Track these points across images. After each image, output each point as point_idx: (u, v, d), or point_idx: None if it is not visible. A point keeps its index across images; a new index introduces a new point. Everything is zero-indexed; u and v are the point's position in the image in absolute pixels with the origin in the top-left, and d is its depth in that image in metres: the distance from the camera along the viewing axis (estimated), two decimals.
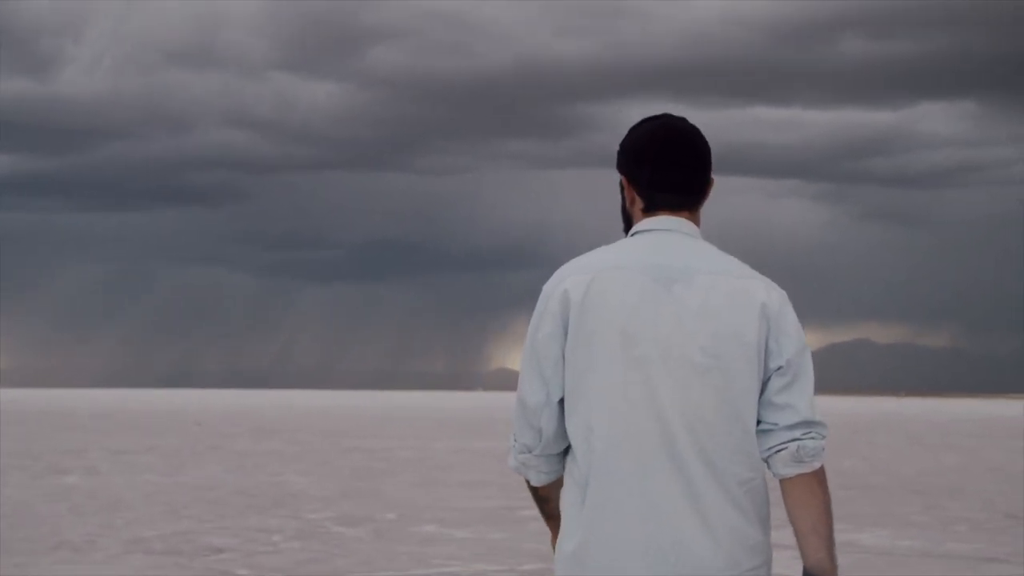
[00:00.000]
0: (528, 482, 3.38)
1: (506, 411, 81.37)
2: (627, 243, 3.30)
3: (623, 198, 3.38)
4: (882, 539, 14.32)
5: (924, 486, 21.82)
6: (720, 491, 3.12)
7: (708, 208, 3.43)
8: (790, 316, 3.21)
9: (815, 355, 3.36)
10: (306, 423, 54.13)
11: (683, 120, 3.36)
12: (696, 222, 3.33)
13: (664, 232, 3.27)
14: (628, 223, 3.38)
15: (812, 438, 3.16)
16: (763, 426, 3.19)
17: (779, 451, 3.17)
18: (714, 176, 3.38)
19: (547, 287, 3.26)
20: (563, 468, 3.28)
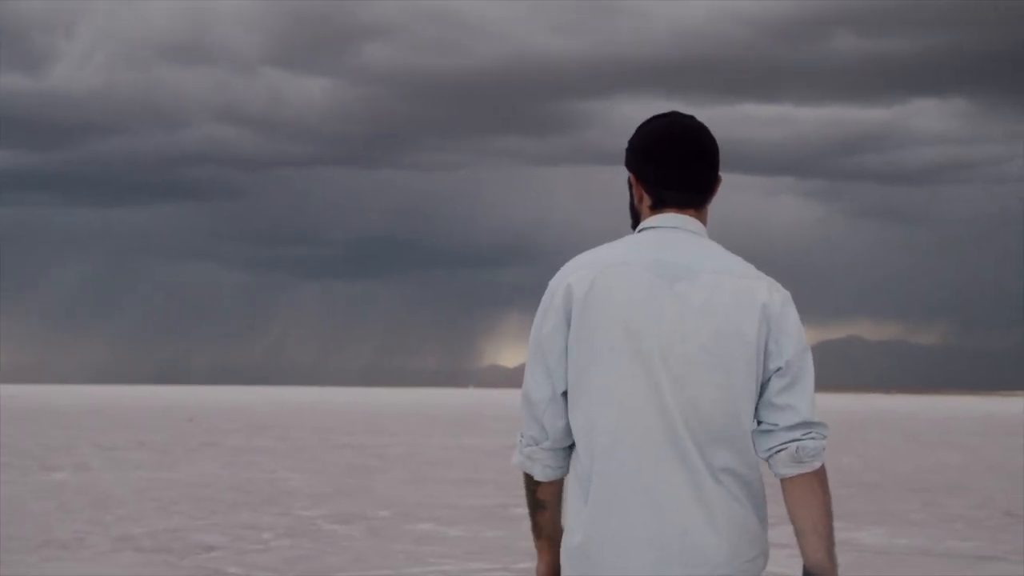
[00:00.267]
0: (528, 486, 3.37)
1: (499, 408, 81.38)
2: (633, 239, 3.33)
3: (631, 195, 3.41)
4: (880, 537, 14.17)
5: (921, 484, 21.69)
6: (719, 486, 3.16)
7: None
8: (792, 317, 3.24)
9: None
10: (298, 420, 54.00)
11: (691, 118, 3.38)
12: (703, 220, 3.36)
13: (670, 229, 3.30)
14: (636, 219, 3.40)
15: (812, 438, 3.19)
16: (763, 427, 3.22)
17: (779, 451, 3.20)
18: (721, 174, 3.41)
19: (553, 282, 3.29)
20: (568, 467, 3.29)
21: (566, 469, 3.30)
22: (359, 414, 65.00)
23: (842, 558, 12.02)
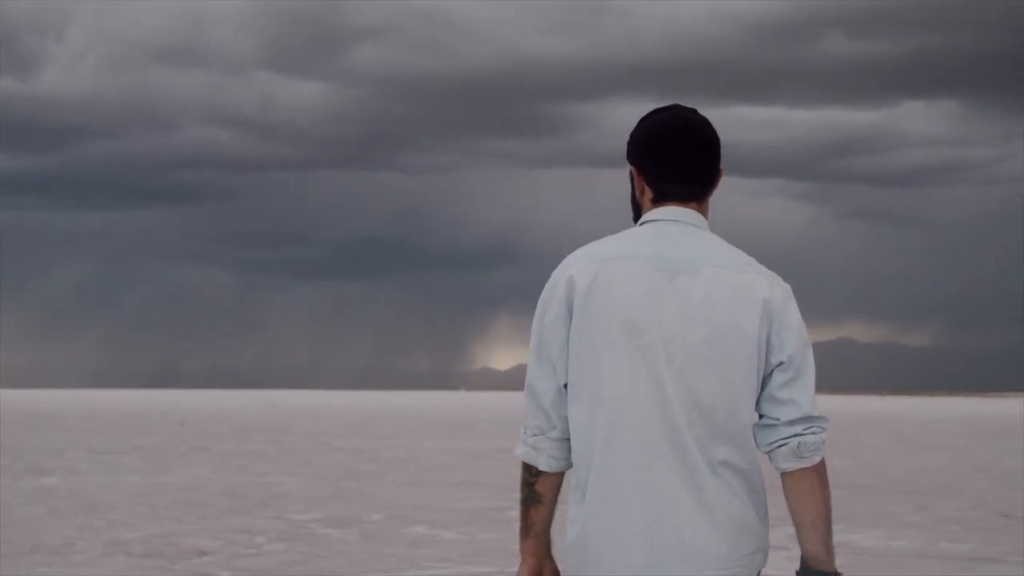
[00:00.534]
0: (526, 479, 3.35)
1: (492, 411, 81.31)
2: (634, 233, 3.34)
3: (632, 187, 3.43)
4: (876, 540, 14.12)
5: (914, 485, 21.66)
6: (719, 480, 3.18)
7: None
8: (793, 312, 3.26)
9: None
10: (290, 423, 53.90)
11: (693, 111, 3.39)
12: (704, 213, 3.38)
13: (671, 223, 3.32)
14: (638, 212, 3.42)
15: (813, 433, 3.21)
16: (765, 421, 3.25)
17: (780, 446, 3.22)
18: (722, 167, 3.44)
19: (555, 274, 3.31)
20: (570, 461, 3.30)
21: (569, 463, 3.30)
22: (352, 417, 64.91)
23: (838, 560, 11.95)
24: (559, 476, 3.34)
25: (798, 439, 3.21)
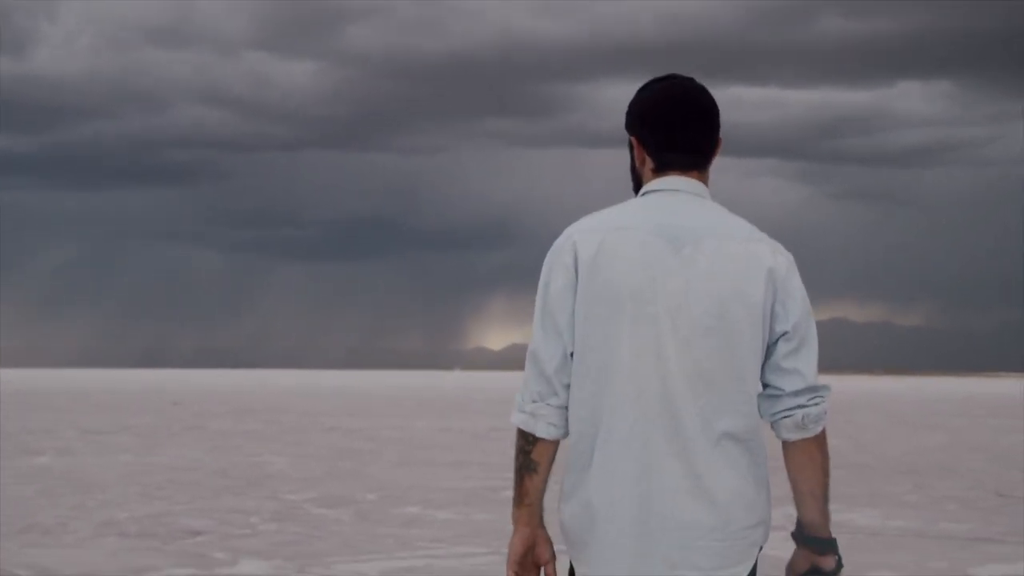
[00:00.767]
0: (522, 447, 3.32)
1: (486, 391, 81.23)
2: (637, 203, 3.34)
3: (632, 158, 3.42)
4: (873, 519, 14.04)
5: (911, 465, 21.58)
6: (718, 451, 3.20)
7: None
8: (796, 281, 3.28)
9: None
10: (284, 403, 53.80)
11: (691, 80, 3.39)
12: (705, 181, 3.37)
13: (674, 192, 3.32)
14: (638, 183, 3.42)
15: (816, 403, 3.26)
16: (769, 391, 3.29)
17: (785, 418, 3.26)
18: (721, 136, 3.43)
19: (557, 243, 3.29)
20: (567, 430, 3.31)
21: (566, 431, 3.30)
22: (345, 397, 64.81)
23: (837, 540, 11.88)
24: (555, 445, 3.32)
25: (802, 411, 3.25)
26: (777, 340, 3.26)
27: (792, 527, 3.40)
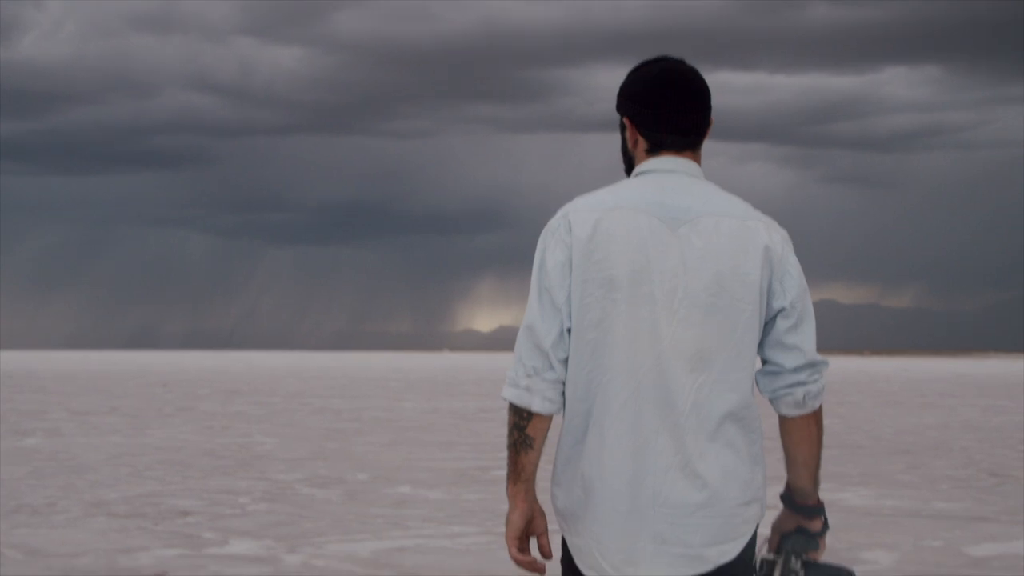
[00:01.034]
0: (516, 423, 3.32)
1: (475, 372, 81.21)
2: (632, 183, 3.36)
3: (623, 139, 3.44)
4: (867, 499, 13.97)
5: (904, 445, 21.54)
6: (713, 429, 3.23)
7: None
8: (792, 258, 3.32)
9: None
10: (272, 384, 53.71)
11: (682, 62, 3.42)
12: (698, 161, 3.41)
13: (668, 172, 3.35)
14: (630, 164, 3.45)
15: (815, 380, 3.32)
16: (769, 367, 3.34)
17: (785, 395, 3.33)
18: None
19: (553, 222, 3.32)
20: (562, 405, 3.33)
21: (561, 406, 3.32)
22: (334, 378, 64.73)
23: (831, 520, 11.78)
24: (549, 420, 3.34)
25: (803, 388, 3.31)
26: (775, 316, 3.30)
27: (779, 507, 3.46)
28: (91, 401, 36.19)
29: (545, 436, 3.34)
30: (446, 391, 46.98)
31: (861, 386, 54.11)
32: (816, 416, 3.37)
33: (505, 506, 12.49)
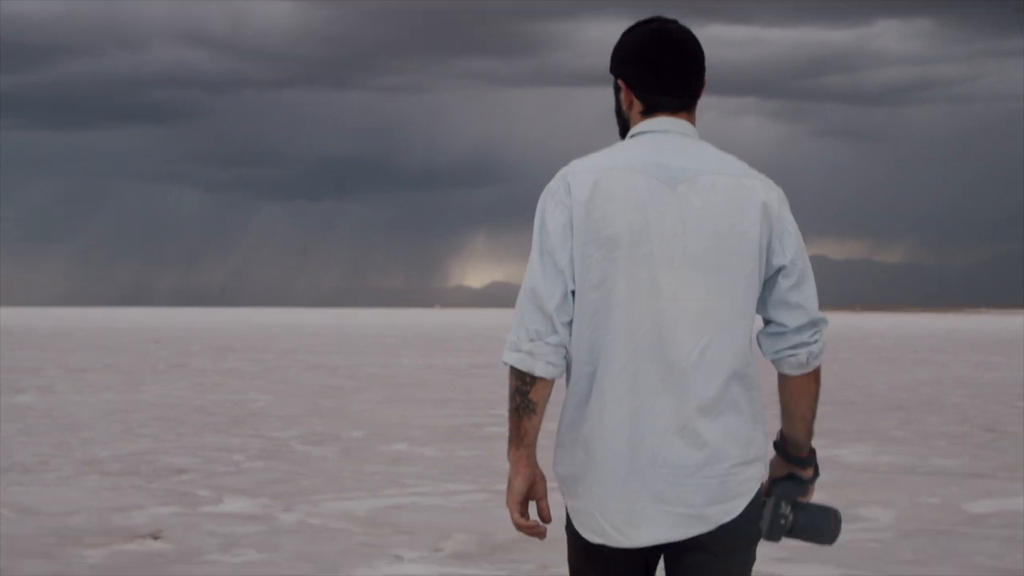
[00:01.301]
0: (519, 388, 3.31)
1: (468, 328, 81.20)
2: (628, 144, 3.37)
3: (618, 101, 3.46)
4: (864, 455, 13.94)
5: (898, 401, 21.53)
6: (717, 388, 3.25)
7: None
8: (789, 215, 3.35)
9: None
10: (266, 341, 53.66)
11: (676, 22, 3.43)
12: (693, 122, 3.43)
13: (664, 133, 3.36)
14: (624, 126, 3.46)
15: (816, 340, 3.35)
16: (772, 328, 3.36)
17: (789, 357, 3.34)
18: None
19: (551, 185, 3.33)
20: (564, 369, 3.33)
21: (563, 370, 3.33)
22: (328, 335, 64.68)
23: (827, 476, 11.75)
24: (551, 384, 3.33)
25: (806, 349, 3.33)
26: (776, 275, 3.32)
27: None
28: (85, 358, 36.13)
29: (547, 400, 3.33)
30: (441, 347, 46.96)
31: (853, 342, 54.18)
32: (816, 373, 3.39)
33: (500, 463, 12.47)
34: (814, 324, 3.35)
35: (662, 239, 3.25)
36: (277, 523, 9.73)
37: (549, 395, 3.33)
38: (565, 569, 3.53)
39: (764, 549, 3.64)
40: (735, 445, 3.27)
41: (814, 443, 3.50)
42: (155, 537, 9.12)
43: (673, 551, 3.34)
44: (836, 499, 10.42)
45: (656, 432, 3.24)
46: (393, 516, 10.06)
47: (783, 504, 3.45)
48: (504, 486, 10.98)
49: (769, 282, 3.34)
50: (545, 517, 3.39)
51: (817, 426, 3.50)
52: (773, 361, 3.40)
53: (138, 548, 8.77)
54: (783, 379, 3.41)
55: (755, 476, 3.32)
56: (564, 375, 3.35)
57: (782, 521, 3.45)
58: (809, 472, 3.50)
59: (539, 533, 3.39)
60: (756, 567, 3.50)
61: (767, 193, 3.32)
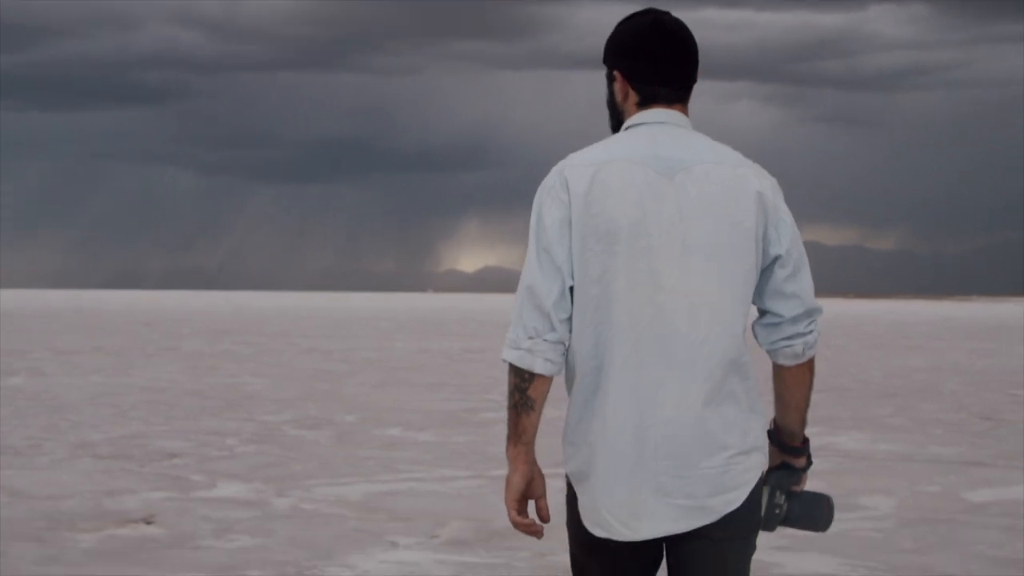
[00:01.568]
0: (518, 385, 3.31)
1: (460, 312, 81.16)
2: (624, 137, 3.37)
3: (611, 92, 3.46)
4: (860, 443, 13.86)
5: (893, 388, 21.46)
6: (715, 379, 3.25)
7: None
8: (783, 204, 3.35)
9: None
10: (259, 324, 53.55)
11: (669, 14, 3.44)
12: (687, 113, 3.43)
13: (661, 125, 3.37)
14: (617, 117, 3.46)
15: (811, 330, 3.36)
16: (768, 318, 3.36)
17: (785, 347, 3.36)
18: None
19: (548, 180, 3.32)
20: (563, 365, 3.33)
21: (562, 367, 3.33)
22: (321, 319, 64.58)
23: (825, 464, 11.69)
24: (550, 381, 3.34)
25: (802, 340, 3.35)
26: (772, 264, 3.33)
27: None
28: (74, 340, 36.00)
29: (545, 397, 3.34)
30: (434, 331, 46.90)
31: (847, 329, 54.16)
32: (810, 363, 3.41)
33: (496, 449, 12.38)
34: (810, 314, 3.36)
35: (660, 230, 3.26)
36: (270, 508, 9.64)
37: (548, 392, 3.34)
38: (562, 557, 3.49)
39: (763, 538, 3.63)
40: (734, 435, 3.28)
41: (807, 431, 3.52)
42: (148, 522, 9.03)
43: (674, 541, 3.34)
44: (835, 487, 10.33)
45: (659, 424, 3.25)
46: (388, 502, 9.96)
47: (777, 493, 3.48)
48: (500, 472, 10.90)
49: (765, 272, 3.34)
50: (544, 517, 3.39)
51: (812, 413, 3.52)
52: (769, 351, 3.41)
53: (131, 533, 8.67)
54: (778, 369, 3.42)
55: (755, 465, 3.33)
56: (563, 372, 3.35)
57: (777, 510, 3.47)
58: (802, 461, 3.51)
59: (536, 532, 3.40)
60: (756, 556, 3.50)
61: (761, 182, 3.33)
